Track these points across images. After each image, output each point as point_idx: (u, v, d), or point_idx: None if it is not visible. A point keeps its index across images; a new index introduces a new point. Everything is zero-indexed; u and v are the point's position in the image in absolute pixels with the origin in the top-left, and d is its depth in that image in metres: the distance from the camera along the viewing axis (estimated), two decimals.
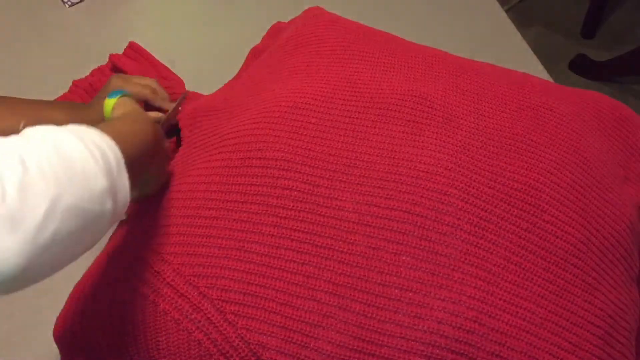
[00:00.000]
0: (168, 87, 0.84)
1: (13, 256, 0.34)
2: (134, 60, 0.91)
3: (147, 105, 0.75)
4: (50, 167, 0.37)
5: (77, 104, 0.75)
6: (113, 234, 0.62)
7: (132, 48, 0.92)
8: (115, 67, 0.90)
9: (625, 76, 1.76)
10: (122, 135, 0.48)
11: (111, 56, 0.91)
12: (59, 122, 0.63)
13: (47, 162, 0.37)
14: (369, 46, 0.68)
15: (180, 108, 0.75)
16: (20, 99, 0.67)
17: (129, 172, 0.45)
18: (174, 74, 0.89)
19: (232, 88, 0.75)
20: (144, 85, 0.73)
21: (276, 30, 0.85)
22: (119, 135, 0.46)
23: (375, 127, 0.60)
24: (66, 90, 0.88)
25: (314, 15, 0.77)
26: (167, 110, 0.75)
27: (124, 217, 0.49)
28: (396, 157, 0.58)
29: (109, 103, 0.64)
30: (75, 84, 0.88)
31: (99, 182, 0.40)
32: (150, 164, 0.57)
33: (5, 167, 0.35)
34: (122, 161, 0.44)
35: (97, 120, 0.63)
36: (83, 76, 0.89)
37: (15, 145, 0.38)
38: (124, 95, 0.65)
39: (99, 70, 0.90)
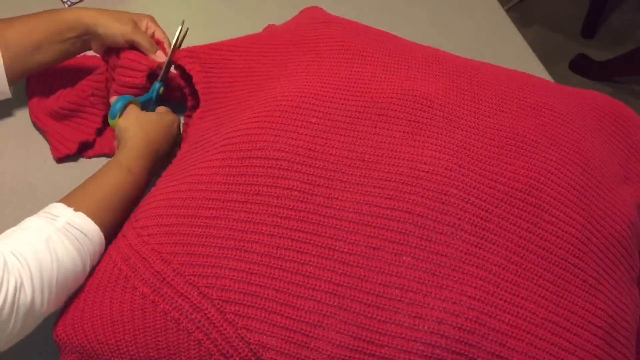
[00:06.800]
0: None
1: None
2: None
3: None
4: (49, 293, 0.54)
5: (55, 12, 0.77)
6: None
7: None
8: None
9: (625, 76, 1.76)
10: (112, 212, 0.61)
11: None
12: (37, 43, 0.75)
13: (49, 287, 0.53)
14: (369, 46, 0.68)
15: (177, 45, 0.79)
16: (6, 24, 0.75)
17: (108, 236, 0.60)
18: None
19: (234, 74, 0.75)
20: (124, 24, 0.75)
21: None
22: (109, 216, 0.60)
23: (375, 127, 0.60)
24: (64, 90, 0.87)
25: (313, 15, 0.77)
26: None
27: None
28: (397, 157, 0.58)
29: (113, 124, 0.72)
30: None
31: (81, 279, 0.58)
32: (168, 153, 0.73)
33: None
34: (102, 246, 0.59)
35: (72, 22, 0.74)
36: (83, 77, 0.87)
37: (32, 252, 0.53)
38: (127, 105, 0.72)
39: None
